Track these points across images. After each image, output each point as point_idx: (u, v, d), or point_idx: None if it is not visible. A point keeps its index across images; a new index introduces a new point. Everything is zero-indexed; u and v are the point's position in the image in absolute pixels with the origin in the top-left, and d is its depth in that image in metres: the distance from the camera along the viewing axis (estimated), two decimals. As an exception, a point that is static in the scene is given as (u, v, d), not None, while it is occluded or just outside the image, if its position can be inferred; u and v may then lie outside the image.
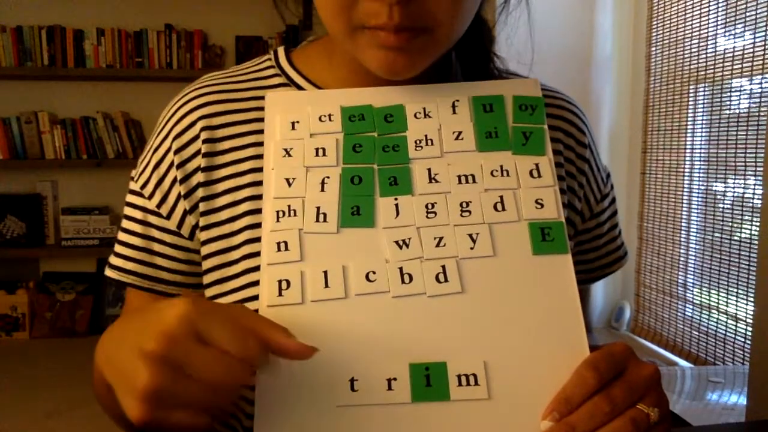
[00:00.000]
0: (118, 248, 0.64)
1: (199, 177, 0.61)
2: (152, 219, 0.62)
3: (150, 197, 0.62)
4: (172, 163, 0.61)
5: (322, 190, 0.55)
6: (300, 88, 0.63)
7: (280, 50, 0.67)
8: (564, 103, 0.69)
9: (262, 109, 0.61)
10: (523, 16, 0.67)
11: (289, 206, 0.54)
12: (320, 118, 0.58)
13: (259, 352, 0.42)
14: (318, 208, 0.54)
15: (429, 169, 0.55)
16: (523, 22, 0.67)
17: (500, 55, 0.67)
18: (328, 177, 0.55)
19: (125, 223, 0.64)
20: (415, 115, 0.58)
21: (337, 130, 0.57)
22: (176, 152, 0.61)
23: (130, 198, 0.64)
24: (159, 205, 0.62)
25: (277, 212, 0.54)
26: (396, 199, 0.54)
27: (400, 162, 0.56)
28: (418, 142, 0.57)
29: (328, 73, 0.64)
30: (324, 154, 0.56)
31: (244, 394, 0.58)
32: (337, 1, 0.52)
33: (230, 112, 0.62)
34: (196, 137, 0.61)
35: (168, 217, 0.62)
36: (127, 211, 0.64)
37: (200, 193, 0.60)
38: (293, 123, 0.58)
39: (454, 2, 0.52)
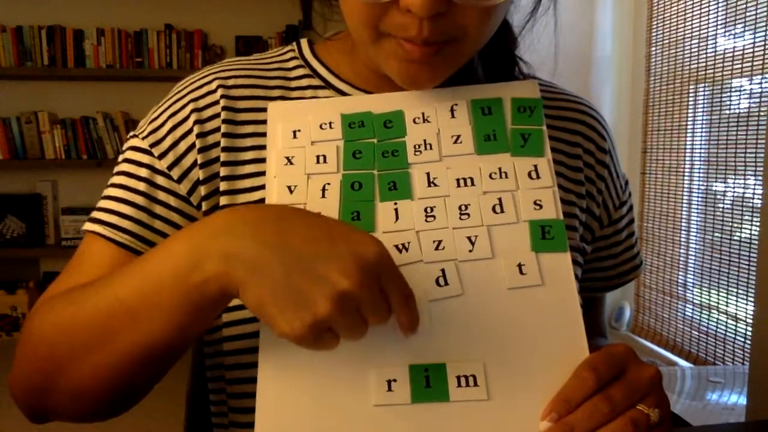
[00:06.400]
0: (111, 204, 0.60)
1: (220, 150, 0.60)
2: (160, 179, 0.60)
3: (161, 157, 0.60)
4: (191, 131, 0.61)
5: (323, 196, 0.55)
6: (324, 79, 0.64)
7: (304, 42, 0.68)
8: (585, 108, 0.69)
9: (288, 89, 0.63)
10: (540, 20, 0.66)
11: None
12: (321, 126, 0.58)
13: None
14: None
15: (428, 174, 0.56)
16: (544, 27, 0.67)
17: (526, 61, 0.67)
18: (328, 183, 0.55)
19: (124, 180, 0.60)
20: (414, 121, 0.58)
21: (337, 138, 0.58)
22: (197, 122, 0.61)
23: (132, 155, 0.61)
24: (170, 167, 0.60)
25: None
26: (396, 203, 0.54)
27: (400, 167, 0.56)
28: (417, 146, 0.57)
29: (349, 70, 0.65)
30: (325, 161, 0.56)
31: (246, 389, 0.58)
32: (365, 11, 0.52)
33: (253, 87, 0.63)
34: (216, 102, 0.61)
35: (179, 180, 0.60)
36: (127, 167, 0.61)
37: (220, 165, 0.60)
38: (294, 132, 0.58)
39: (483, 14, 0.52)
